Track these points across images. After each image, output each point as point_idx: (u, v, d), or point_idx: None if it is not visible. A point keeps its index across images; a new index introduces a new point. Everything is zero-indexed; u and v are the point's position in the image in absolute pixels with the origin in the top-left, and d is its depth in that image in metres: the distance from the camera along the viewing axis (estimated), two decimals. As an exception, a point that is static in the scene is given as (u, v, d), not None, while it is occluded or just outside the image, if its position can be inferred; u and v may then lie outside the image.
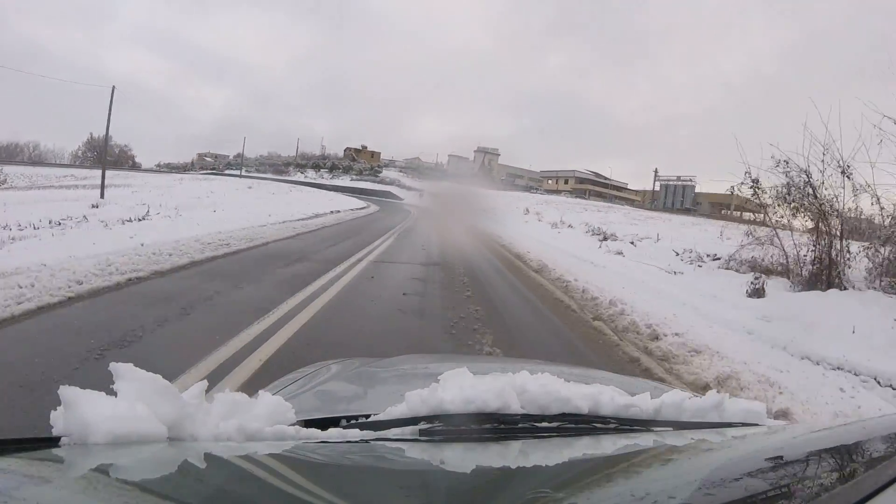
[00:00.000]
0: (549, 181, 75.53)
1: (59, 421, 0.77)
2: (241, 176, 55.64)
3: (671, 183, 63.97)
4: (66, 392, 0.78)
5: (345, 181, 59.11)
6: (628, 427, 1.00)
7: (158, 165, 76.27)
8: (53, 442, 0.76)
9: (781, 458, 0.82)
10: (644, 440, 0.96)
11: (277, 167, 67.67)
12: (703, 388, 3.78)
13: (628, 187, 76.52)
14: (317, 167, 68.09)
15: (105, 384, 0.82)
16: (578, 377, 1.29)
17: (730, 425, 1.05)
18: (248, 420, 0.87)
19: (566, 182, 73.31)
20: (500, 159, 76.77)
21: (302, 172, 65.89)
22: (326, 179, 60.44)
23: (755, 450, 0.93)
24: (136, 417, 0.77)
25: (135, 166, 70.05)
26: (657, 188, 66.44)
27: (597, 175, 75.69)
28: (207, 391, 0.92)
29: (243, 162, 71.03)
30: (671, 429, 1.01)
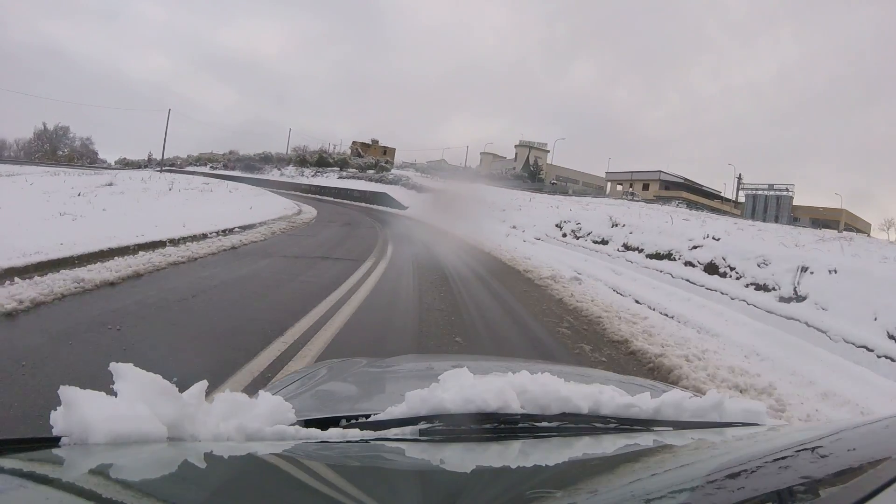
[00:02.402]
0: (618, 186, 61.42)
1: (59, 421, 0.77)
2: (169, 171, 42.04)
3: (760, 192, 52.62)
4: (67, 392, 0.78)
5: (328, 179, 49.89)
6: (628, 427, 1.00)
7: (118, 161, 72.83)
8: (53, 442, 0.76)
9: (781, 457, 0.82)
10: (644, 440, 0.96)
11: (249, 164, 59.66)
12: None
13: (721, 195, 60.44)
14: (302, 163, 59.11)
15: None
16: (578, 377, 1.29)
17: (730, 425, 1.05)
18: (248, 420, 0.88)
19: (646, 187, 58.27)
20: (546, 158, 64.99)
21: (279, 170, 57.97)
22: (307, 178, 52.03)
23: (755, 450, 0.93)
24: (136, 417, 0.77)
25: (94, 162, 66.35)
26: (741, 198, 55.18)
27: (686, 180, 59.63)
28: (208, 391, 0.92)
29: (212, 157, 66.07)
30: (671, 429, 1.01)
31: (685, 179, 59.42)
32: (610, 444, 0.96)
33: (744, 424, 1.06)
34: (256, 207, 16.80)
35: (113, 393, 0.80)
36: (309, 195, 39.78)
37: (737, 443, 0.97)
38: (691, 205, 47.94)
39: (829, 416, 3.91)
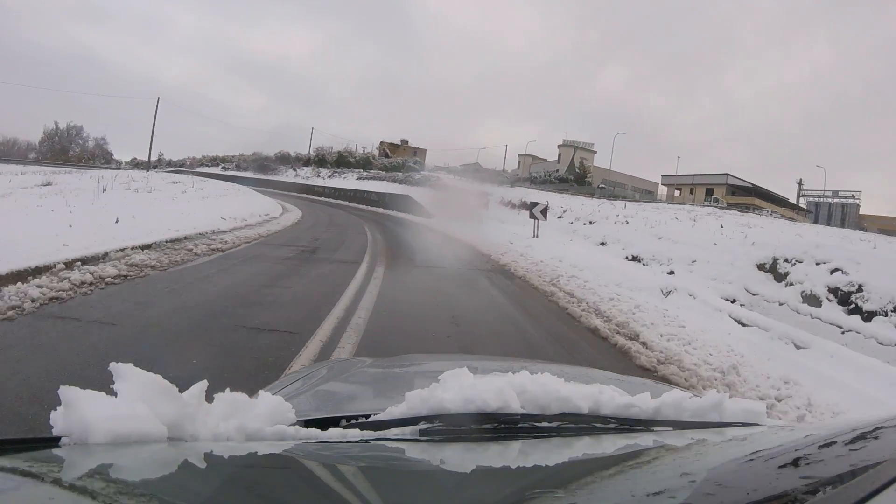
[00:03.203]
0: (677, 191, 53.95)
1: (59, 421, 0.77)
2: (174, 172, 40.72)
3: (824, 199, 48.96)
4: (67, 392, 0.78)
5: (346, 181, 46.02)
6: (628, 427, 1.00)
7: (129, 162, 70.88)
8: (53, 442, 0.76)
9: (781, 457, 0.82)
10: (644, 440, 0.96)
11: (263, 165, 56.84)
12: None
13: (789, 201, 53.78)
14: (322, 164, 56.41)
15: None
16: (578, 377, 1.29)
17: (730, 425, 1.05)
18: (248, 420, 0.88)
19: (709, 192, 50.22)
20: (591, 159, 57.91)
21: (294, 170, 55.48)
22: (322, 179, 49.44)
23: (755, 450, 0.93)
24: (136, 417, 0.77)
25: (109, 162, 65.21)
26: (802, 205, 50.95)
27: (754, 185, 52.18)
28: (208, 391, 0.92)
29: (225, 158, 64.19)
30: (671, 429, 1.01)
31: (752, 184, 52.49)
32: (610, 444, 0.96)
33: (744, 424, 1.06)
34: (198, 214, 12.62)
35: (113, 393, 0.80)
36: (321, 198, 37.08)
37: (737, 443, 0.97)
38: (761, 212, 39.86)
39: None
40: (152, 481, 0.70)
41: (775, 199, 52.01)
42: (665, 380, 4.30)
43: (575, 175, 55.22)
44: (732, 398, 1.12)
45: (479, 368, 1.13)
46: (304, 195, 38.37)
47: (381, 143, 64.34)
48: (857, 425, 0.95)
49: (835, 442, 0.89)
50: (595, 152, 60.40)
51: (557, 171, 56.45)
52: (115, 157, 71.13)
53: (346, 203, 34.36)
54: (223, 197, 19.23)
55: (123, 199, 14.70)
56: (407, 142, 64.92)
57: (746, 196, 49.82)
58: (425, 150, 62.27)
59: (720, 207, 34.29)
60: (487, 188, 28.07)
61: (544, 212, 16.65)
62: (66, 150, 65.13)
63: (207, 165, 63.56)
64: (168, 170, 50.45)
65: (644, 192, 53.87)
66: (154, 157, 71.23)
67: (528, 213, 17.42)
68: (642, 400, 1.04)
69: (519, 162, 62.44)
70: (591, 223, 18.88)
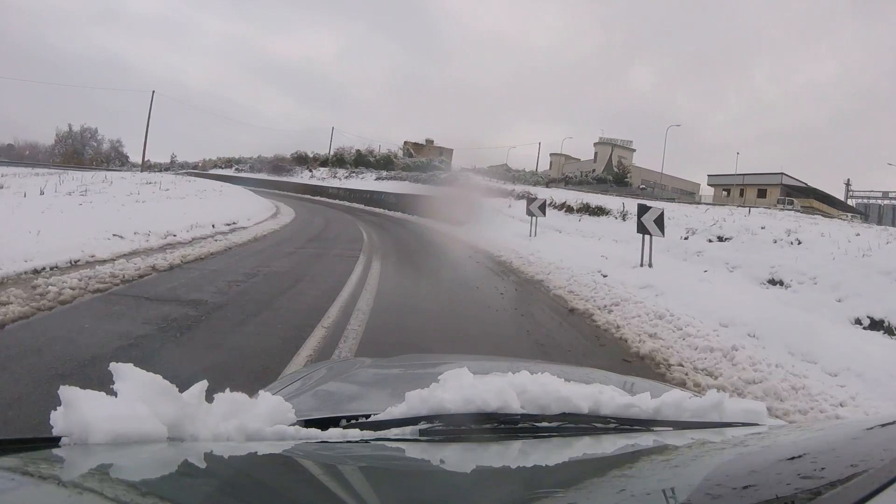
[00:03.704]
0: (724, 192, 49.20)
1: (59, 421, 0.77)
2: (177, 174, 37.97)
3: (874, 201, 45.17)
4: (67, 392, 0.78)
5: (364, 182, 41.65)
6: (628, 427, 1.00)
7: (143, 163, 72.60)
8: (53, 442, 0.76)
9: (781, 457, 0.82)
10: (644, 440, 0.96)
11: (277, 166, 54.18)
12: None
13: (844, 202, 48.24)
14: (340, 164, 52.33)
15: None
16: (578, 377, 1.30)
17: (730, 425, 1.05)
18: (249, 420, 0.88)
19: (761, 194, 45.68)
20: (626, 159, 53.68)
21: (311, 171, 52.29)
22: (339, 180, 45.19)
23: (755, 450, 0.93)
24: (136, 417, 0.77)
25: (124, 164, 64.10)
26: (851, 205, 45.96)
27: (809, 186, 47.12)
28: (208, 391, 0.92)
29: (241, 160, 62.50)
30: (671, 429, 1.01)
31: (805, 184, 47.74)
32: (610, 445, 0.96)
33: (744, 424, 1.06)
34: (147, 225, 9.65)
35: (113, 393, 0.80)
36: (334, 200, 34.53)
37: (736, 443, 0.97)
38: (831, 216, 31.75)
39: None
40: (152, 481, 0.71)
41: (832, 201, 46.94)
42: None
43: (614, 175, 50.64)
44: (732, 398, 1.12)
45: (479, 368, 1.13)
46: (318, 197, 36.48)
47: (405, 142, 59.61)
48: (858, 425, 0.95)
49: (835, 442, 0.89)
50: (634, 150, 56.06)
51: (594, 170, 51.92)
52: (131, 159, 70.35)
53: (361, 206, 30.76)
54: (188, 198, 16.39)
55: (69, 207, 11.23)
56: (432, 141, 60.48)
57: (802, 197, 44.95)
58: (451, 149, 56.19)
59: (796, 211, 29.50)
60: (521, 189, 25.49)
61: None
62: (78, 153, 63.45)
63: (221, 167, 62.43)
64: (180, 172, 50.12)
65: (683, 193, 50.05)
66: (167, 160, 70.96)
67: (599, 218, 17.30)
68: (642, 400, 1.04)
69: (551, 162, 58.27)
70: (721, 239, 11.94)
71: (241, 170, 57.81)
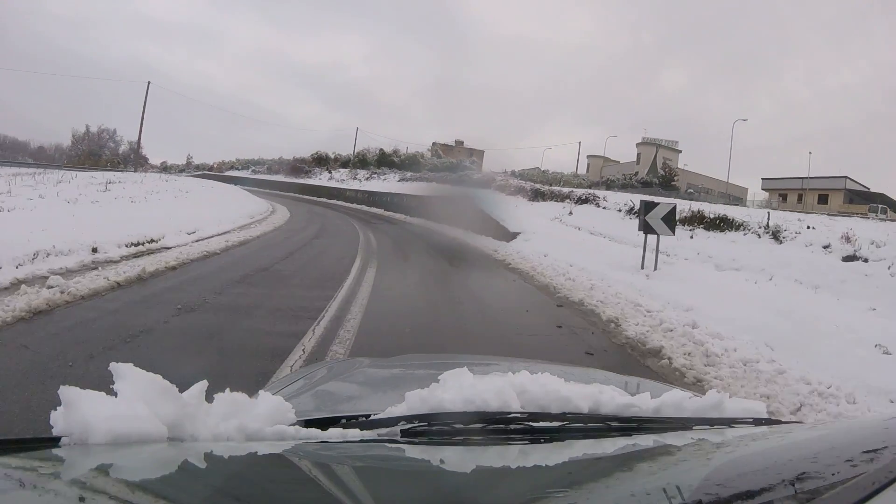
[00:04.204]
0: (779, 196, 44.97)
1: (59, 421, 0.77)
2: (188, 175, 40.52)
3: None
4: (67, 392, 0.78)
5: (385, 183, 37.79)
6: (628, 427, 1.00)
7: (159, 165, 70.88)
8: (53, 442, 0.76)
9: (781, 457, 0.82)
10: (644, 440, 0.96)
11: (296, 167, 51.66)
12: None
13: None
14: (363, 165, 49.08)
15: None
16: (578, 377, 1.29)
17: (730, 425, 1.05)
18: (248, 420, 0.88)
19: (822, 199, 41.78)
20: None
21: (329, 172, 49.44)
22: (359, 181, 41.93)
23: (755, 450, 0.93)
24: (136, 417, 0.77)
25: (142, 166, 64.99)
26: None
27: (871, 191, 43.05)
28: (208, 390, 0.92)
29: (260, 161, 61.44)
30: (671, 429, 1.01)
31: (867, 188, 43.98)
32: (610, 445, 0.96)
33: (744, 424, 1.06)
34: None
35: (113, 393, 0.80)
36: (351, 204, 31.65)
37: (737, 443, 0.97)
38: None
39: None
40: (152, 481, 0.71)
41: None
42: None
43: (660, 177, 45.70)
44: (733, 398, 1.12)
45: (479, 369, 1.13)
46: (333, 201, 33.91)
47: (434, 143, 55.61)
48: (858, 425, 0.95)
49: (835, 442, 0.89)
50: (679, 151, 51.11)
51: (636, 173, 47.03)
52: (151, 161, 70.39)
53: (379, 212, 27.18)
54: (139, 202, 14.23)
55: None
56: (462, 143, 56.78)
57: (863, 203, 40.39)
58: (482, 151, 52.36)
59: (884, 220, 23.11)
60: (582, 192, 21.93)
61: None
62: (93, 154, 61.95)
63: (238, 169, 61.87)
64: (195, 173, 49.86)
65: (731, 198, 43.60)
66: (182, 161, 70.98)
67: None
68: (642, 400, 1.04)
69: (588, 164, 52.96)
70: None
71: (258, 171, 56.64)
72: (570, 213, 19.17)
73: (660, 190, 40.90)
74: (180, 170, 63.67)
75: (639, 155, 51.34)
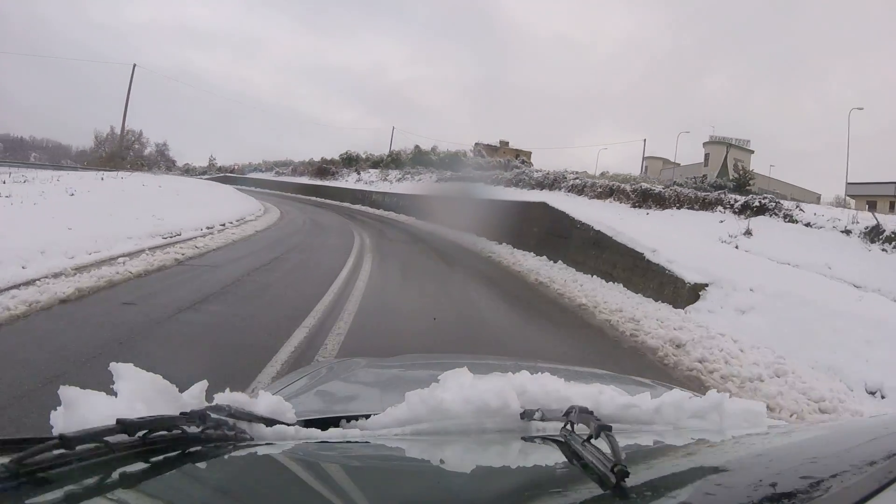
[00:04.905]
0: (867, 203, 35.62)
1: (59, 421, 0.77)
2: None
3: None
4: (67, 392, 0.78)
5: (420, 184, 31.71)
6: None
7: (182, 167, 69.51)
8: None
9: (781, 458, 0.82)
10: (644, 440, 0.96)
11: (322, 168, 47.91)
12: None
13: None
14: (397, 165, 44.20)
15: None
16: (578, 377, 1.29)
17: (730, 426, 1.05)
18: (248, 420, 0.87)
19: None
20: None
21: (358, 173, 44.74)
22: (389, 183, 37.24)
23: (755, 450, 0.93)
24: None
25: (171, 168, 62.02)
26: None
27: None
28: (208, 390, 0.92)
29: (286, 163, 57.96)
30: (671, 429, 1.01)
31: None
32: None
33: (744, 424, 1.06)
34: None
35: (113, 393, 0.80)
36: (374, 210, 27.28)
37: (737, 443, 0.97)
38: None
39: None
40: (152, 482, 0.71)
41: None
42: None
43: (734, 180, 39.38)
44: (733, 398, 1.12)
45: (479, 368, 1.13)
46: (357, 206, 29.82)
47: (476, 144, 49.21)
48: (858, 425, 0.95)
49: (835, 442, 0.90)
50: (752, 152, 44.81)
51: (705, 176, 40.49)
52: (178, 163, 69.74)
53: (407, 222, 20.98)
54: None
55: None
56: (507, 143, 51.76)
57: None
58: (529, 151, 47.81)
59: None
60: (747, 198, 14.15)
61: None
62: (114, 156, 60.48)
63: (261, 170, 59.97)
64: (215, 175, 48.98)
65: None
66: (204, 164, 69.77)
67: None
68: (642, 400, 1.04)
69: (645, 167, 47.07)
70: None
71: (282, 173, 54.02)
72: (748, 232, 11.77)
73: (732, 193, 36.30)
74: (201, 172, 62.79)
75: (707, 155, 45.02)
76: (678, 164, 45.23)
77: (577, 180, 20.85)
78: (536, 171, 25.08)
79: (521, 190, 21.01)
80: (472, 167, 35.36)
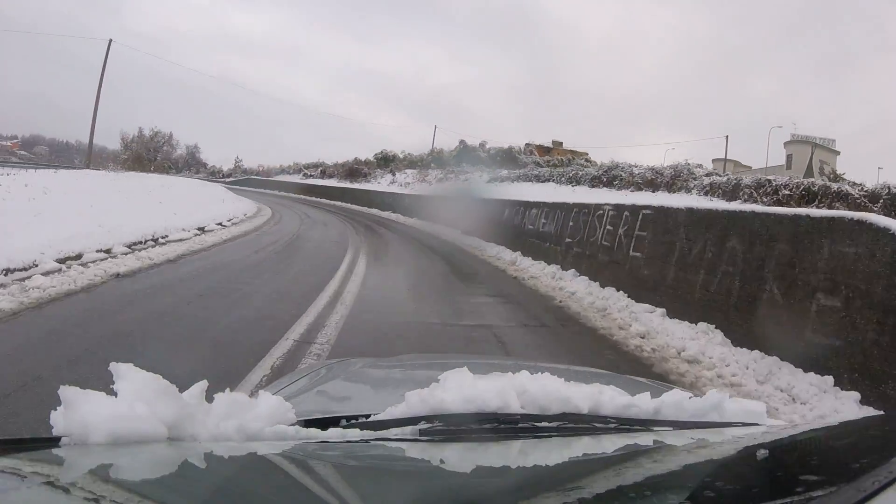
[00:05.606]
0: None
1: (59, 421, 0.77)
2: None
3: None
4: (67, 392, 0.78)
5: (469, 183, 25.92)
6: (628, 427, 1.00)
7: (207, 169, 70.84)
8: (53, 442, 0.76)
9: (781, 457, 0.82)
10: (644, 440, 0.96)
11: (354, 170, 44.41)
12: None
13: None
14: (439, 164, 39.25)
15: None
16: (578, 377, 1.29)
17: (730, 425, 1.05)
18: (249, 420, 0.87)
19: None
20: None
21: (393, 174, 40.67)
22: (429, 184, 32.10)
23: (755, 450, 0.93)
24: (136, 417, 0.77)
25: (199, 171, 63.89)
26: None
27: None
28: (208, 390, 0.92)
29: (316, 165, 54.27)
30: (671, 429, 1.01)
31: None
32: (610, 444, 0.96)
33: (744, 424, 1.06)
34: None
35: (113, 393, 0.80)
36: (408, 220, 20.11)
37: (736, 443, 0.97)
38: None
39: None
40: (152, 481, 0.71)
41: None
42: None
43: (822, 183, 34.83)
44: (732, 398, 1.12)
45: (479, 368, 1.13)
46: (387, 213, 23.55)
47: (527, 144, 44.77)
48: (858, 425, 0.95)
49: (835, 442, 0.90)
50: (838, 153, 40.62)
51: (788, 179, 33.01)
52: (209, 165, 71.03)
53: (453, 239, 14.08)
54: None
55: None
56: (561, 143, 48.48)
57: None
58: (585, 152, 44.17)
59: None
60: None
61: None
62: (141, 158, 58.73)
63: (288, 173, 58.08)
64: (240, 178, 48.93)
65: None
66: (230, 166, 69.64)
67: None
68: (642, 400, 1.04)
69: (712, 167, 44.40)
70: None
71: (310, 175, 51.09)
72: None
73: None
74: (226, 174, 62.90)
75: (789, 157, 40.20)
76: (749, 167, 40.37)
77: (717, 177, 14.98)
78: (634, 166, 19.27)
79: (619, 192, 15.93)
80: (527, 165, 31.73)
